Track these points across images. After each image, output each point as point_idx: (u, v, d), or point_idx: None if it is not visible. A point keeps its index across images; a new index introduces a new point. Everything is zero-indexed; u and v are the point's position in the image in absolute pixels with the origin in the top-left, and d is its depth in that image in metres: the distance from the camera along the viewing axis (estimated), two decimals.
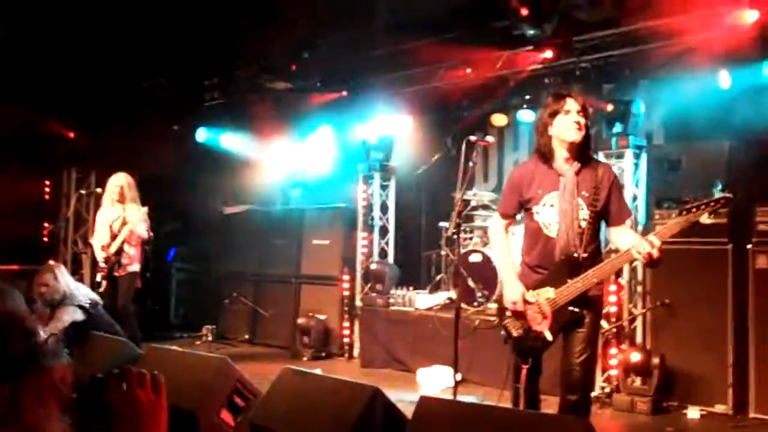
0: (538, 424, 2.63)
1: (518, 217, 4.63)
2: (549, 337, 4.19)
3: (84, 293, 6.97)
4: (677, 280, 6.58)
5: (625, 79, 8.12)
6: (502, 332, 4.38)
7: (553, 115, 4.28)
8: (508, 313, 4.32)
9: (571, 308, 4.17)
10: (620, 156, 7.26)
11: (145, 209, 7.67)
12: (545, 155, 4.33)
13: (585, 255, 4.20)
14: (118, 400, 1.51)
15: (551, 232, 4.26)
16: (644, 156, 7.35)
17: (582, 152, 4.31)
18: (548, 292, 4.21)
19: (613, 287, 7.08)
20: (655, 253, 3.95)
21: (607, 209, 4.31)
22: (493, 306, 6.72)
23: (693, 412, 6.31)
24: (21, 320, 1.07)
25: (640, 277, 7.05)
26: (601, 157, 7.37)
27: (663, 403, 6.45)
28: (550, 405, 4.83)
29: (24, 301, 1.14)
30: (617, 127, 7.32)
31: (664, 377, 6.43)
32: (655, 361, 6.43)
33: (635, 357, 6.51)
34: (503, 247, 4.57)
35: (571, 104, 4.25)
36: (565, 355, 4.26)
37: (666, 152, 7.89)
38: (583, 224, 4.21)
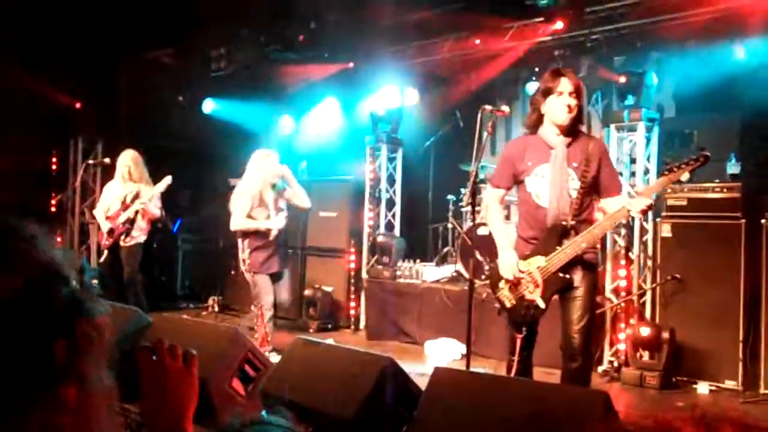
0: (556, 396, 2.59)
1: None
2: (542, 304, 4.31)
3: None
4: (688, 255, 6.51)
5: (636, 52, 8.01)
6: (497, 304, 4.53)
7: (546, 93, 4.34)
8: (501, 285, 4.44)
9: (561, 274, 4.26)
10: (632, 129, 7.14)
11: (166, 182, 7.71)
12: (536, 130, 4.44)
13: (574, 223, 4.27)
14: (148, 369, 1.54)
15: (542, 202, 4.36)
16: (656, 129, 7.23)
17: (572, 128, 4.37)
18: (539, 261, 4.32)
19: (622, 261, 7.03)
20: (646, 207, 4.15)
21: (598, 180, 4.38)
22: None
23: (702, 387, 6.27)
24: (59, 268, 1.03)
25: (650, 251, 6.99)
26: (612, 130, 7.31)
27: (672, 378, 6.40)
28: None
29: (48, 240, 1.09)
30: (629, 100, 7.21)
31: (673, 352, 6.38)
32: (665, 335, 6.37)
33: (645, 331, 6.45)
34: (498, 218, 4.65)
35: (565, 85, 4.28)
36: (563, 324, 4.33)
37: (677, 126, 7.81)
38: (574, 194, 4.32)
